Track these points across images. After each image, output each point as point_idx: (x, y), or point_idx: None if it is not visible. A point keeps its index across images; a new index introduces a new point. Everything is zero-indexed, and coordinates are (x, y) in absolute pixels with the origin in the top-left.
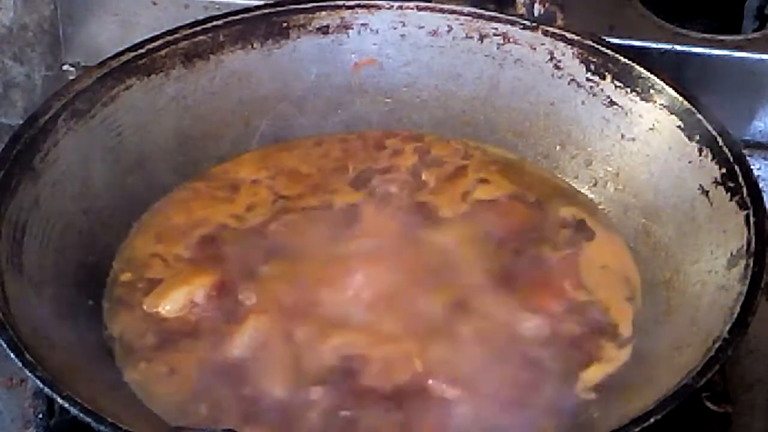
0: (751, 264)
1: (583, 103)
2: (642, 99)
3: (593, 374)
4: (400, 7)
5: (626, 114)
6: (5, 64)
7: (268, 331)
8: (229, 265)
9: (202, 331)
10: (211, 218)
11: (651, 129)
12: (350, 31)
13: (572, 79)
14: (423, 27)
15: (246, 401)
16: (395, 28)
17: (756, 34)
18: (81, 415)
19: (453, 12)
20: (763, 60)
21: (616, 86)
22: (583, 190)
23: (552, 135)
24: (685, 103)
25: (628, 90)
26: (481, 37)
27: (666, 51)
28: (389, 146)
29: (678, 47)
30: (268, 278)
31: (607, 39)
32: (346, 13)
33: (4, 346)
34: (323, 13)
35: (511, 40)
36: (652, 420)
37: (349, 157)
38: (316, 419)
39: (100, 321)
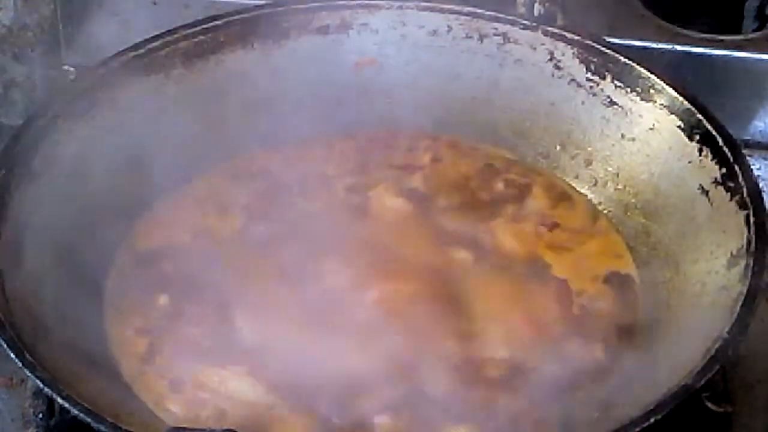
0: (751, 264)
1: (583, 103)
2: (642, 99)
3: None
4: (400, 7)
5: (626, 114)
6: (5, 64)
7: (270, 331)
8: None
9: None
10: (211, 218)
11: (651, 129)
12: (350, 31)
13: (572, 79)
14: (423, 27)
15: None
16: (395, 28)
17: (756, 34)
18: (81, 415)
19: (453, 12)
20: (763, 60)
21: (616, 86)
22: (583, 190)
23: (552, 135)
24: (685, 103)
25: (628, 90)
26: (481, 37)
27: (666, 51)
28: (389, 146)
29: (678, 47)
30: (271, 284)
31: (607, 39)
32: (346, 13)
33: (4, 346)
34: (323, 13)
35: (511, 40)
36: (652, 420)
37: (348, 157)
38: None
39: (100, 321)
